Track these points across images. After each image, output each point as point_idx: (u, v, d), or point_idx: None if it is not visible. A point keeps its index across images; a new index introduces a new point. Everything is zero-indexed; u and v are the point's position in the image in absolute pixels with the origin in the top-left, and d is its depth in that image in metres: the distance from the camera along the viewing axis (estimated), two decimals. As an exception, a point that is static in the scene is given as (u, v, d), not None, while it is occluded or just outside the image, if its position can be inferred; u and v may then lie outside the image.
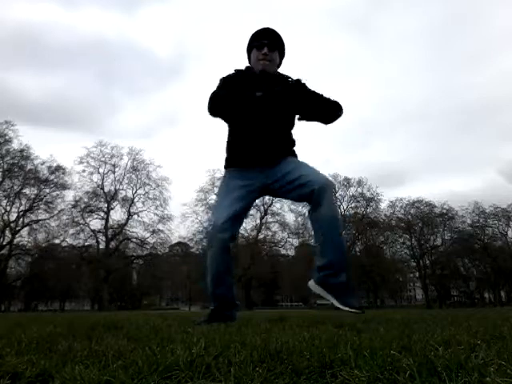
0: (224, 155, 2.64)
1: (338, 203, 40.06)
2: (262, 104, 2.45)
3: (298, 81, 2.55)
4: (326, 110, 2.52)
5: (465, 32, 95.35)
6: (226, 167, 2.61)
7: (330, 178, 2.41)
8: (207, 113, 2.47)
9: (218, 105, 2.46)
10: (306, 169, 2.43)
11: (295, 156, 2.59)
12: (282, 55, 2.67)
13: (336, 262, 2.30)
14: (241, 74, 2.58)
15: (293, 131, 2.64)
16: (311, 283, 2.38)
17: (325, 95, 2.53)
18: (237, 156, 2.54)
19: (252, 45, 2.61)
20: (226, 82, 2.54)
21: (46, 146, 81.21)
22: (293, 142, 2.62)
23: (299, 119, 2.54)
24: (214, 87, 2.55)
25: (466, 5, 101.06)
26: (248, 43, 2.65)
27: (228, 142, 2.61)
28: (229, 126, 2.62)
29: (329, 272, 2.30)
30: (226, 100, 2.44)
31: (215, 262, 2.35)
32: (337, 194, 39.73)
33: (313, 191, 2.29)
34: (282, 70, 2.70)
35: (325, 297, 2.32)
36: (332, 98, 2.53)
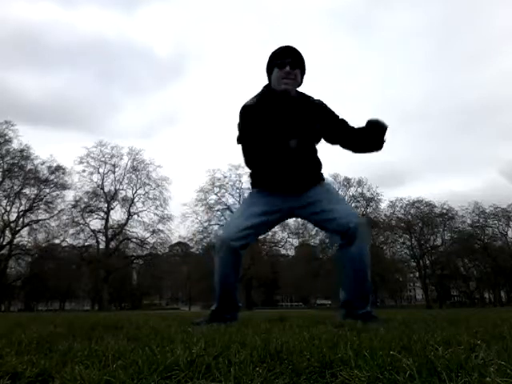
0: (249, 174, 2.62)
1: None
2: (295, 151, 2.42)
3: (324, 106, 2.57)
4: (360, 143, 2.52)
5: (464, 32, 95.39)
6: (252, 187, 2.62)
7: (360, 216, 2.45)
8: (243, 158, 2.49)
9: (251, 158, 2.47)
10: (337, 203, 2.44)
11: (322, 179, 2.59)
12: (303, 73, 2.59)
13: (361, 298, 2.34)
14: (262, 99, 2.51)
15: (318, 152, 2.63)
16: (340, 320, 2.38)
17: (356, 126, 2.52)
18: (261, 181, 2.54)
19: (273, 63, 2.53)
20: (247, 118, 2.48)
21: (46, 146, 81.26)
22: (320, 165, 2.61)
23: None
24: (235, 120, 2.52)
25: (466, 5, 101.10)
26: (268, 62, 2.56)
27: (248, 163, 2.54)
28: (244, 146, 2.52)
29: (354, 307, 2.34)
30: (256, 155, 2.45)
31: (223, 268, 2.35)
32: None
33: (347, 231, 2.29)
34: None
35: None
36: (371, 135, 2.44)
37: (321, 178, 2.59)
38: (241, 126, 2.50)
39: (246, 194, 38.12)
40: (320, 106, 2.58)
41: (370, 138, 2.42)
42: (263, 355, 0.92)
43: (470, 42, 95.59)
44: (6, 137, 34.17)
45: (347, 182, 40.24)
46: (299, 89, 2.62)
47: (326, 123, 2.56)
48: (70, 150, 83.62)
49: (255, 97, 2.54)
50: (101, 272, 35.92)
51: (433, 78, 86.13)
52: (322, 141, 2.63)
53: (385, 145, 2.43)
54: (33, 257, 37.67)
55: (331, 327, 1.76)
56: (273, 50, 2.56)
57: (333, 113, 2.60)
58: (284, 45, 2.56)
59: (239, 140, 2.50)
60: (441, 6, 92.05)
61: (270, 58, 2.57)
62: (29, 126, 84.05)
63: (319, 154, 2.63)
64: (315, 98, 2.62)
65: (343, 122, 2.59)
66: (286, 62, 2.47)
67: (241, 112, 2.50)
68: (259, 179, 2.56)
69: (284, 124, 2.44)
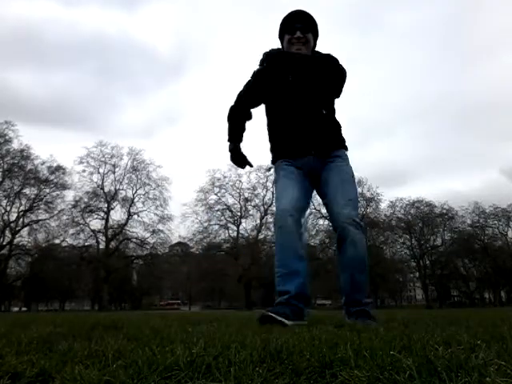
0: (269, 148, 2.59)
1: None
2: (294, 87, 2.41)
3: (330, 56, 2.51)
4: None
5: (466, 31, 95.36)
6: (273, 161, 2.55)
7: (359, 218, 2.31)
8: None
9: (230, 115, 2.58)
10: (341, 190, 2.32)
11: (343, 144, 2.51)
12: (315, 36, 2.56)
13: (360, 297, 2.27)
14: (276, 55, 2.50)
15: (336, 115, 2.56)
16: (346, 319, 2.32)
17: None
18: (282, 147, 2.48)
19: (283, 29, 2.50)
20: (257, 76, 2.53)
21: (46, 146, 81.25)
22: (337, 125, 2.52)
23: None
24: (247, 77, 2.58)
25: (468, 2, 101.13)
26: (279, 28, 2.54)
27: (270, 134, 2.56)
28: (268, 116, 2.57)
29: (353, 305, 2.27)
30: (233, 114, 2.56)
31: (288, 240, 2.20)
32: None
33: (339, 227, 2.23)
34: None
35: None
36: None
37: (341, 140, 2.50)
38: (251, 89, 2.55)
39: (245, 194, 38.12)
40: (330, 60, 2.49)
41: None
42: (263, 355, 0.92)
43: (470, 42, 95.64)
44: (6, 137, 34.27)
45: (347, 182, 40.14)
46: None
47: (330, 77, 2.47)
48: (70, 150, 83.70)
49: (264, 59, 2.52)
50: (101, 272, 35.93)
51: (433, 78, 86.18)
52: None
53: None
54: (33, 257, 37.67)
55: (331, 327, 1.76)
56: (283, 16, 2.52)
57: (337, 74, 2.49)
58: (294, 9, 2.51)
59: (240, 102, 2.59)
60: (442, 5, 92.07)
61: (281, 24, 2.53)
62: (29, 125, 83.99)
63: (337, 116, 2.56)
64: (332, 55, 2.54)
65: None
66: (297, 28, 2.44)
67: (253, 75, 2.54)
68: (280, 147, 2.50)
69: (298, 83, 2.42)
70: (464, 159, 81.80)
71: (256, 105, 2.61)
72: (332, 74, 2.46)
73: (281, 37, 2.55)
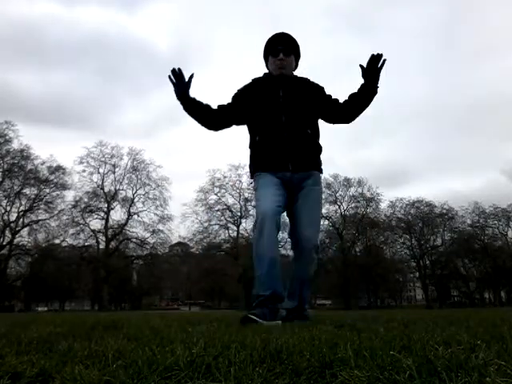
0: (248, 165, 2.72)
1: (338, 203, 40.18)
2: (284, 103, 2.55)
3: (319, 86, 2.71)
4: (345, 112, 2.69)
5: (467, 30, 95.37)
6: (252, 175, 2.67)
7: (318, 240, 2.62)
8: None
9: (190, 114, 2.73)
10: (310, 214, 2.53)
11: (319, 166, 2.65)
12: (297, 58, 2.74)
13: (300, 307, 2.57)
14: (258, 80, 2.68)
15: (320, 138, 2.71)
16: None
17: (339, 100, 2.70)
18: (262, 160, 2.59)
19: (267, 52, 2.67)
20: (236, 96, 2.67)
21: (46, 146, 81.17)
22: (318, 149, 2.67)
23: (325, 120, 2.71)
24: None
25: (468, 3, 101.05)
26: (264, 50, 2.70)
27: (252, 150, 2.66)
28: (251, 133, 2.68)
29: (296, 311, 2.56)
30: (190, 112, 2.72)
31: (268, 242, 2.35)
32: (337, 194, 39.86)
33: (302, 248, 2.47)
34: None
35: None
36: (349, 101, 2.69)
37: (318, 163, 2.65)
38: (231, 109, 2.67)
39: (246, 194, 38.06)
40: (318, 88, 2.72)
41: (366, 80, 2.61)
42: (263, 355, 0.92)
43: (471, 41, 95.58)
44: (7, 137, 34.27)
45: (347, 182, 40.26)
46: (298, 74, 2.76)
47: (323, 105, 2.68)
48: (70, 150, 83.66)
49: (251, 80, 2.70)
50: (101, 272, 35.92)
51: (433, 77, 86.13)
52: (323, 125, 2.74)
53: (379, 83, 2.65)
54: (33, 257, 37.66)
55: (331, 327, 1.76)
56: (268, 37, 2.69)
57: (330, 96, 2.73)
58: (277, 32, 2.68)
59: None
60: (442, 4, 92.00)
61: (265, 45, 2.70)
62: (29, 125, 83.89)
63: (321, 140, 2.71)
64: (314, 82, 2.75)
65: (336, 100, 2.70)
66: (280, 49, 2.61)
67: (232, 97, 2.68)
68: (261, 160, 2.60)
69: (279, 102, 2.56)
70: (464, 159, 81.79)
71: (237, 119, 2.70)
72: (320, 100, 2.68)
73: (265, 58, 2.72)
